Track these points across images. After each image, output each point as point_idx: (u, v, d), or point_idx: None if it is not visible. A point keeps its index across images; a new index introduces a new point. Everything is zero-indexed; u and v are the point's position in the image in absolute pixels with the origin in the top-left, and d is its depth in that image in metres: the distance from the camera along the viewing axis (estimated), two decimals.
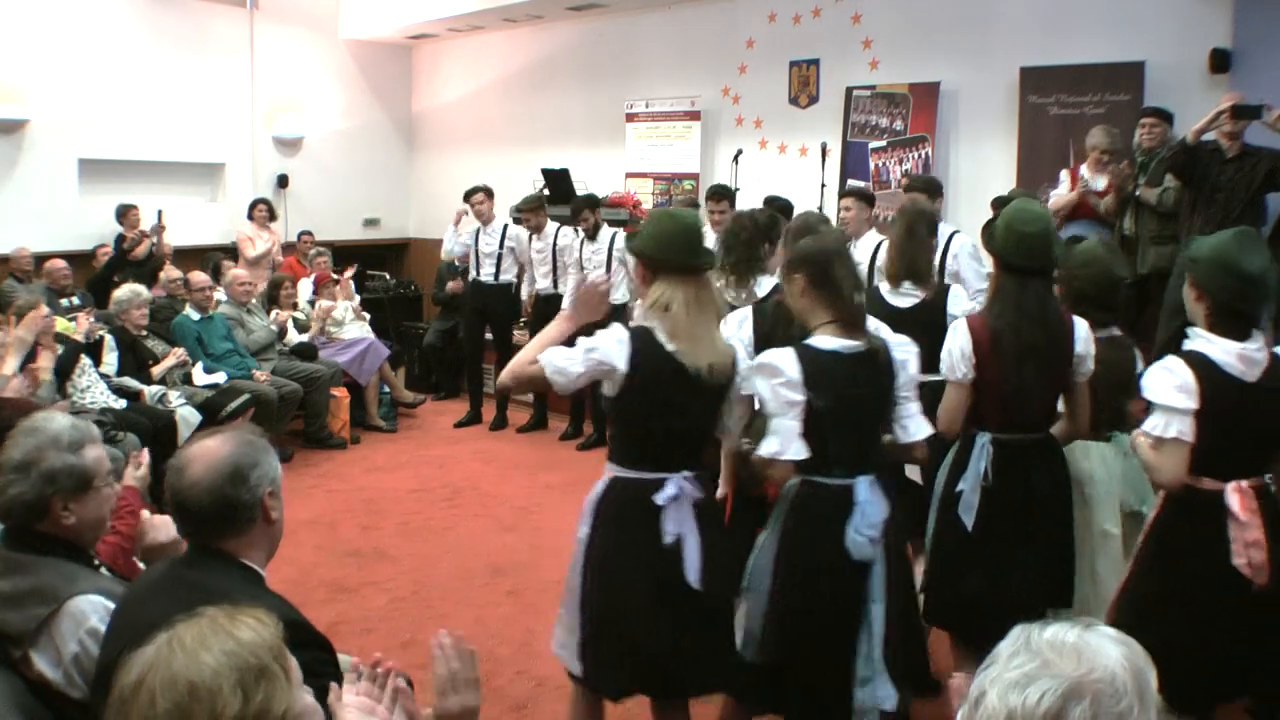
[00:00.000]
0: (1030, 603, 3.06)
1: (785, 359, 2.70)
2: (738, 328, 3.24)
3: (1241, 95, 5.32)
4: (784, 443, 2.67)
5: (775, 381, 2.69)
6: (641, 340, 2.72)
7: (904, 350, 2.82)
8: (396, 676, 1.90)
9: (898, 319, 3.44)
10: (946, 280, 4.54)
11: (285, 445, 7.15)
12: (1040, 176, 6.86)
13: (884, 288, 3.97)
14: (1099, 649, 1.23)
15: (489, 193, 8.10)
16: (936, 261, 4.72)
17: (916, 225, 3.94)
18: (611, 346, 2.71)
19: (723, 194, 6.79)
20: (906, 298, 3.91)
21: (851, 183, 7.41)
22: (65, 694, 2.15)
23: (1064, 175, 6.25)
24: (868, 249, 5.38)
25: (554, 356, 2.70)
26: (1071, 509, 3.24)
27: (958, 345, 3.11)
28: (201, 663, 1.36)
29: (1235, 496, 2.66)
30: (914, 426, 2.82)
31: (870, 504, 2.69)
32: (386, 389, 8.20)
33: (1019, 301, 3.06)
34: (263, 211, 9.61)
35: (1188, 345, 2.79)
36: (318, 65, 10.87)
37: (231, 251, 9.26)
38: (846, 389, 2.69)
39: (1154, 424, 2.73)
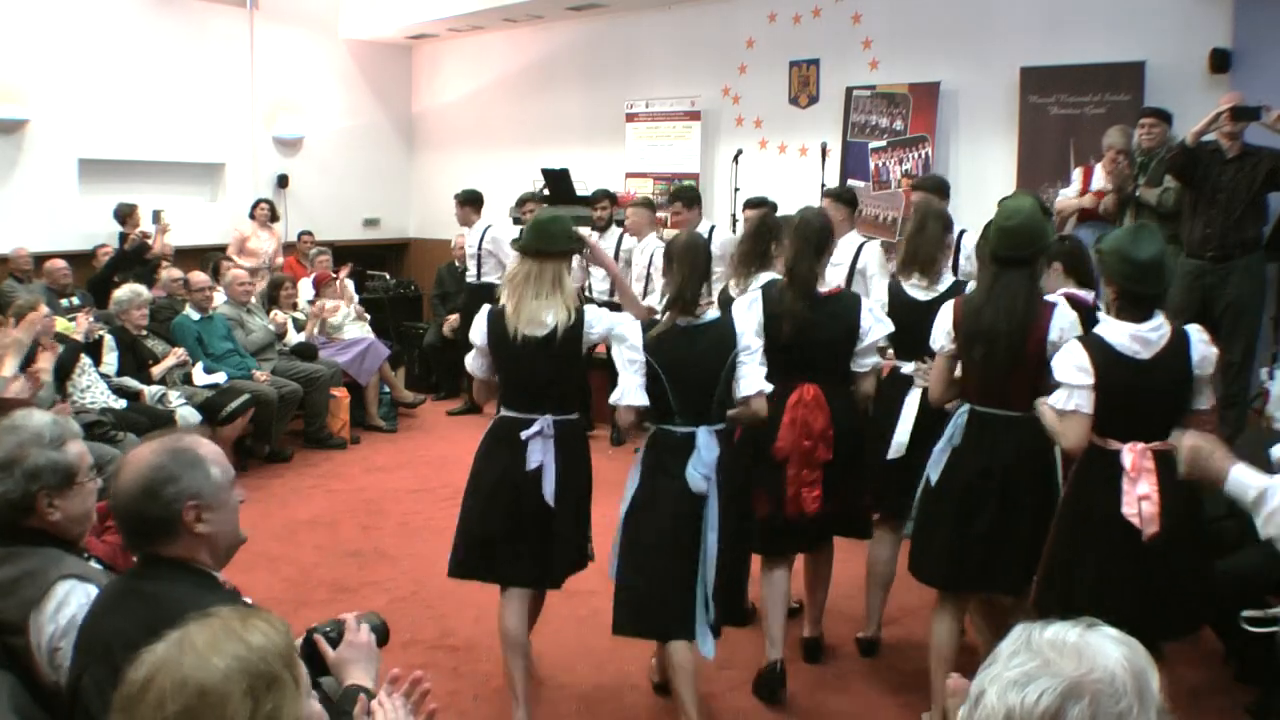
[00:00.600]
0: (991, 587, 3.47)
1: (633, 329, 3.41)
2: (748, 308, 3.75)
3: (1241, 96, 5.31)
4: (624, 392, 3.34)
5: (623, 346, 3.38)
6: (492, 316, 3.51)
7: (742, 322, 3.46)
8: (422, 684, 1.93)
9: (915, 311, 3.88)
10: (960, 278, 4.59)
11: (285, 445, 7.15)
12: (1041, 177, 6.86)
13: (904, 281, 4.10)
14: (1099, 649, 1.23)
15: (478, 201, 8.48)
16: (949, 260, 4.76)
17: (927, 221, 4.09)
18: (477, 329, 3.55)
19: (679, 195, 7.14)
20: (926, 292, 4.01)
21: (833, 185, 7.37)
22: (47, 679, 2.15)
23: (1076, 175, 6.24)
24: (849, 250, 5.41)
25: (468, 361, 3.65)
26: (1048, 494, 3.39)
27: (941, 321, 3.52)
28: (212, 666, 1.35)
29: (1129, 455, 3.04)
30: (744, 385, 3.39)
31: (707, 448, 3.31)
32: (386, 389, 8.20)
33: (991, 288, 3.39)
34: (264, 211, 9.61)
35: (1095, 330, 3.17)
36: (318, 65, 10.87)
37: None
38: (680, 355, 3.35)
39: (1057, 398, 3.13)
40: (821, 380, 3.71)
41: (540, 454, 3.44)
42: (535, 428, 3.44)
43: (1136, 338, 3.05)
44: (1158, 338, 3.06)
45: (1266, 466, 3.79)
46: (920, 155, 7.52)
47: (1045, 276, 3.86)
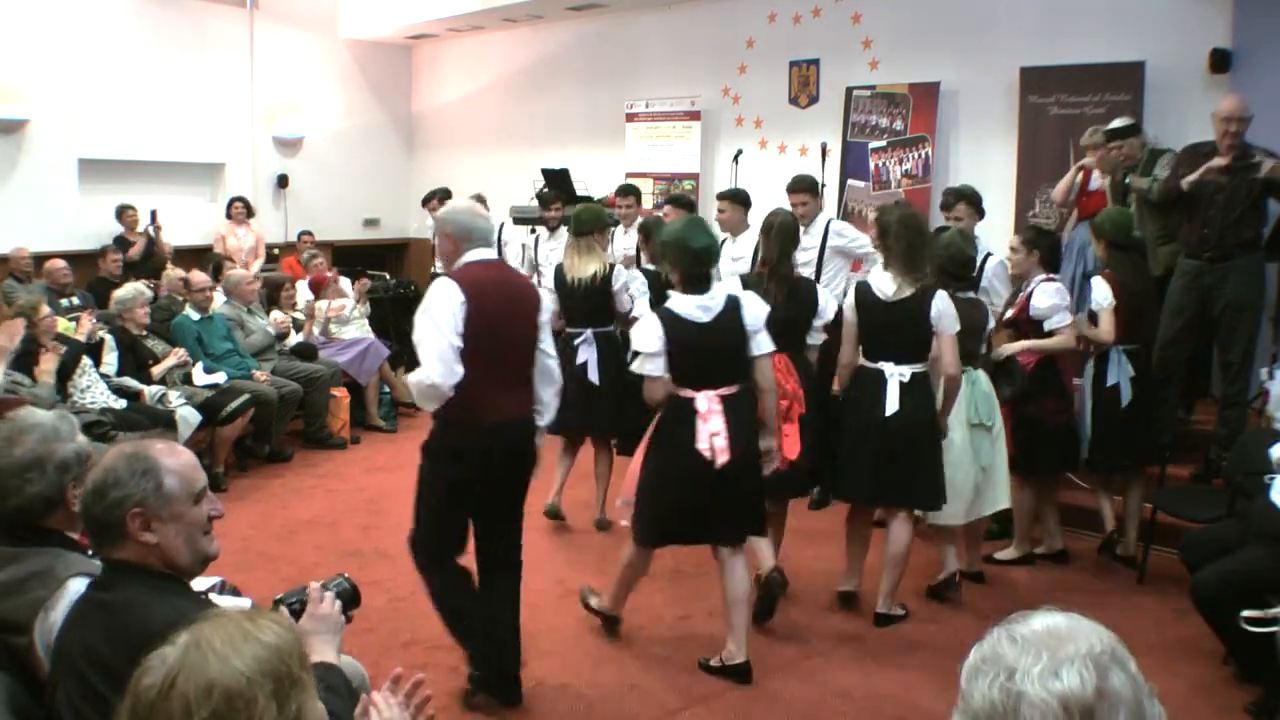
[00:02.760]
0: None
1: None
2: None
3: (1241, 98, 5.27)
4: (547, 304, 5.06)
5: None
6: (558, 269, 5.62)
7: (543, 295, 4.33)
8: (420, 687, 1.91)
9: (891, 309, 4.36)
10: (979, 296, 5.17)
11: (285, 445, 7.15)
12: (1040, 177, 6.87)
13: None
14: (1082, 626, 1.27)
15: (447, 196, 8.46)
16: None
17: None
18: (551, 278, 5.74)
19: (630, 190, 7.59)
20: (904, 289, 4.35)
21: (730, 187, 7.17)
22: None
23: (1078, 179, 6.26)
24: (748, 245, 6.09)
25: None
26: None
27: (1102, 291, 4.85)
28: (235, 669, 1.33)
29: (702, 401, 3.79)
30: (622, 305, 5.61)
31: (588, 343, 5.51)
32: (386, 389, 8.20)
33: (1137, 263, 5.03)
34: (240, 210, 9.63)
35: (665, 304, 3.91)
36: (317, 65, 10.88)
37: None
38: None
39: (639, 365, 3.90)
40: (788, 350, 4.40)
41: (585, 354, 5.45)
42: (582, 338, 5.49)
43: (701, 306, 3.83)
44: (715, 304, 3.85)
45: (1267, 466, 3.81)
46: (920, 155, 7.53)
47: (1020, 262, 5.00)
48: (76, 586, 2.15)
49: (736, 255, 6.41)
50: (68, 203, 9.12)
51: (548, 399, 3.73)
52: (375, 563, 5.19)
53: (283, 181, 10.63)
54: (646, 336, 3.83)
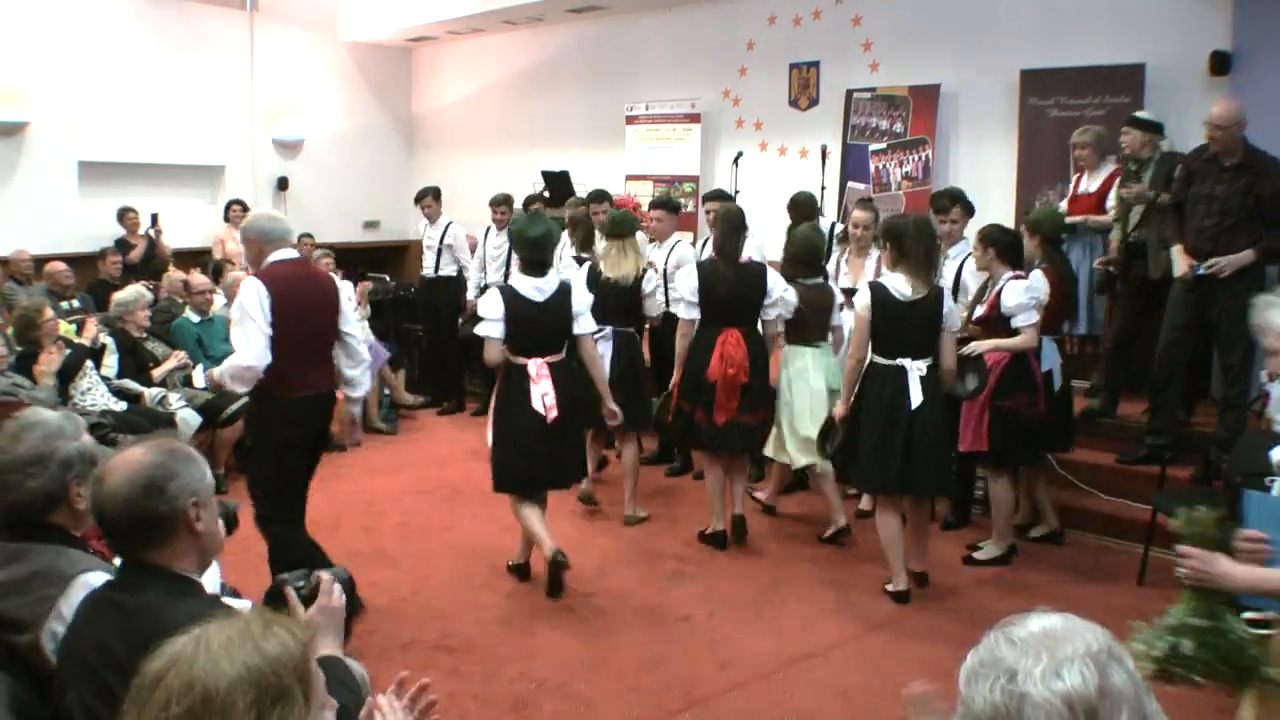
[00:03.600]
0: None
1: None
2: (686, 276, 5.29)
3: (1231, 103, 5.24)
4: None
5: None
6: (590, 267, 5.98)
7: (573, 282, 5.06)
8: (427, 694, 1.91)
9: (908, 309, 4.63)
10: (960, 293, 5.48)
11: None
12: (1040, 179, 6.87)
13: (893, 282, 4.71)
14: (1077, 625, 1.28)
15: (437, 194, 8.67)
16: (951, 277, 5.49)
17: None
18: (581, 278, 5.70)
19: (603, 196, 7.47)
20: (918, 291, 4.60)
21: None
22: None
23: (1073, 181, 6.27)
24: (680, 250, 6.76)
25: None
26: None
27: (1041, 286, 4.99)
28: (221, 672, 1.33)
29: (533, 366, 4.61)
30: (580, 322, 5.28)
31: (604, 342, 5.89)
32: (387, 391, 8.20)
33: (1061, 256, 5.41)
34: (238, 213, 9.62)
35: (508, 283, 4.76)
36: (318, 67, 10.88)
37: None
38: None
39: (481, 328, 4.60)
40: (740, 326, 5.14)
41: (601, 348, 5.52)
42: (602, 333, 5.55)
43: (535, 287, 4.61)
44: (549, 288, 4.66)
45: (1267, 469, 3.81)
46: (920, 158, 7.53)
47: (979, 258, 5.15)
48: (87, 580, 2.15)
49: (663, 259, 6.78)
50: (68, 205, 9.12)
51: (355, 375, 4.34)
52: (375, 564, 5.20)
53: (283, 184, 10.64)
54: (490, 306, 4.59)
